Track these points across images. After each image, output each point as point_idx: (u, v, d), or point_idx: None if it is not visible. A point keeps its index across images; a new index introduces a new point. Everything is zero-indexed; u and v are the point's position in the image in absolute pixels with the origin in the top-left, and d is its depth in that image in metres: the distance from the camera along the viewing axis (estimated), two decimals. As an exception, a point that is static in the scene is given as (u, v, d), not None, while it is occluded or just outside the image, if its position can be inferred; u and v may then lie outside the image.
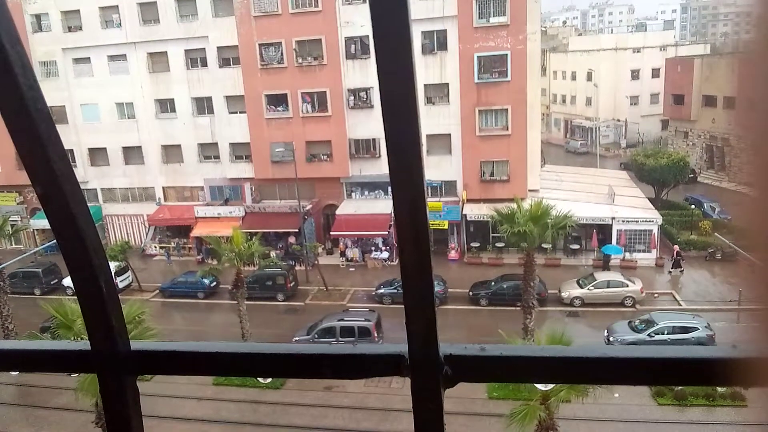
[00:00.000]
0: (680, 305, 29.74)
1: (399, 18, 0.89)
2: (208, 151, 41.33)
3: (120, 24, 40.38)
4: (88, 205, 1.19)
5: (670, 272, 32.95)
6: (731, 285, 30.32)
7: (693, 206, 40.71)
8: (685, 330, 25.00)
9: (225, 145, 40.58)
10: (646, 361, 1.00)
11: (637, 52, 66.19)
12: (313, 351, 1.19)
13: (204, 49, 39.38)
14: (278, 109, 38.94)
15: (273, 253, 36.22)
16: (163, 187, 42.43)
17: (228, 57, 39.25)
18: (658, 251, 34.63)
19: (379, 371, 1.13)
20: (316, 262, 34.96)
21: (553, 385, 18.36)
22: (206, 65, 39.75)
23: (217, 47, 39.06)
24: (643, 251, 34.46)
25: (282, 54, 37.99)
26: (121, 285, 34.72)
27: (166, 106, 41.41)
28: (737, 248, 29.91)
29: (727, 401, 21.95)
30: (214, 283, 33.81)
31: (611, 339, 25.83)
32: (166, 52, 40.12)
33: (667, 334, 25.01)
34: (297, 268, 35.53)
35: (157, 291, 34.97)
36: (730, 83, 49.04)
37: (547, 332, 20.95)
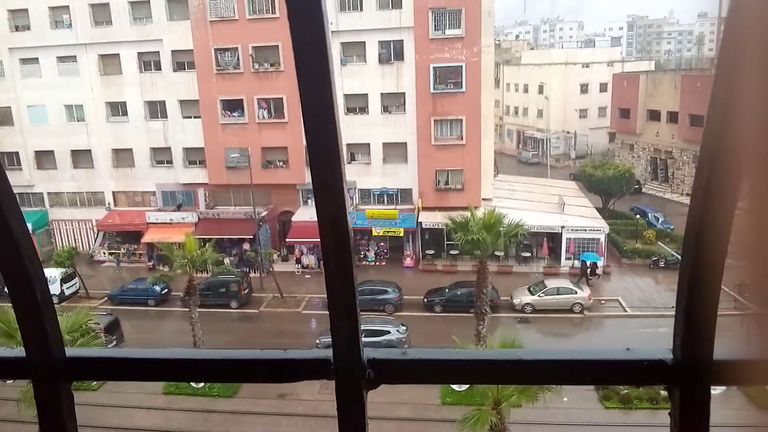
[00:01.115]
0: (626, 311, 30.84)
1: (317, 32, 0.93)
2: (161, 156, 40.58)
3: (70, 24, 39.30)
4: (34, 209, 1.24)
5: (588, 279, 33.68)
6: (673, 291, 31.58)
7: (638, 216, 42.28)
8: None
9: (178, 150, 39.93)
10: (551, 362, 1.11)
11: (586, 67, 68.44)
12: (245, 356, 1.21)
13: (158, 52, 38.73)
14: (234, 114, 38.60)
15: (227, 260, 35.78)
16: (113, 192, 41.38)
17: (183, 61, 38.71)
18: (605, 259, 35.82)
19: (308, 375, 1.16)
20: (271, 269, 34.71)
21: (468, 385, 18.72)
22: (160, 69, 39.09)
23: (172, 51, 38.48)
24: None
25: (238, 59, 37.72)
26: (67, 292, 33.66)
27: (117, 109, 40.47)
28: (679, 257, 31.23)
29: (663, 404, 22.87)
30: (166, 291, 33.14)
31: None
32: (118, 54, 39.27)
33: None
34: (251, 275, 35.18)
35: (106, 298, 34.04)
36: (673, 99, 51.27)
37: (499, 338, 21.41)
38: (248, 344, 26.87)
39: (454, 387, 22.23)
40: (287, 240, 37.57)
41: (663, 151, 53.26)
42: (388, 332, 26.92)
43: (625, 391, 23.35)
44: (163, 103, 39.51)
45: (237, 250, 37.99)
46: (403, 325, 27.69)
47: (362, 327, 1.22)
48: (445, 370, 1.16)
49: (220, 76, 37.92)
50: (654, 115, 53.78)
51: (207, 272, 32.58)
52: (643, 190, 51.66)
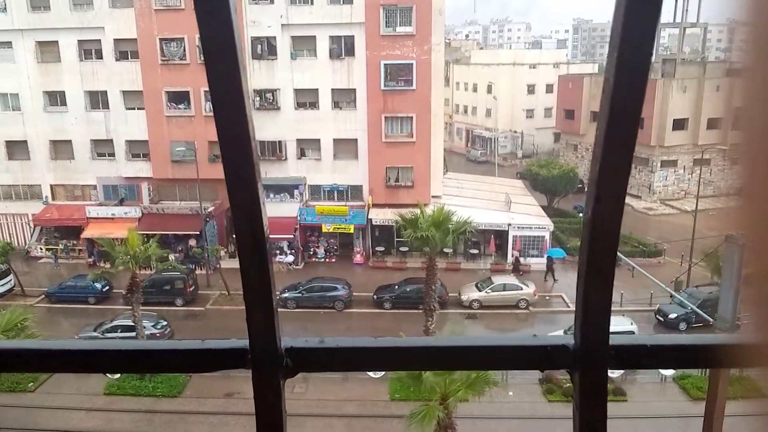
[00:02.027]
0: (569, 306, 31.75)
1: (224, 26, 0.92)
2: (102, 148, 39.16)
3: (5, 9, 37.39)
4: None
5: (512, 274, 34.46)
6: (615, 288, 32.57)
7: (581, 214, 43.52)
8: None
9: (121, 142, 38.63)
10: (463, 348, 1.16)
11: (533, 68, 69.98)
12: (161, 347, 1.22)
13: (99, 40, 37.32)
14: (180, 106, 37.62)
15: (172, 256, 34.90)
16: (51, 185, 39.67)
17: (126, 50, 37.44)
18: (550, 256, 36.74)
19: (225, 365, 1.18)
20: (218, 265, 34.05)
21: (384, 372, 18.97)
22: (101, 58, 37.69)
23: (114, 39, 37.16)
24: (536, 256, 36.44)
25: (184, 50, 36.77)
26: (1, 290, 32.11)
27: (56, 98, 38.79)
28: (620, 254, 32.36)
29: (609, 397, 23.62)
30: (107, 288, 32.07)
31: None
32: (57, 41, 37.62)
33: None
34: (197, 272, 34.41)
35: (43, 296, 32.63)
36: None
37: (447, 334, 21.67)
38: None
39: (403, 383, 22.38)
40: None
41: (605, 151, 54.96)
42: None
43: (567, 384, 24.05)
44: (104, 93, 38.12)
45: (183, 247, 37.09)
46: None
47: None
48: (362, 357, 1.19)
49: (166, 67, 36.87)
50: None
51: (151, 269, 31.76)
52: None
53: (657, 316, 29.37)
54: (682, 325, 28.44)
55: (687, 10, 55.02)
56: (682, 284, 31.35)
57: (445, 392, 17.07)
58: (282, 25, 36.75)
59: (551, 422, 21.94)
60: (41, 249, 38.73)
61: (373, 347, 1.17)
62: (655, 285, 26.75)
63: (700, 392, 21.30)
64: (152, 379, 24.42)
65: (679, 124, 49.69)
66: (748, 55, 0.40)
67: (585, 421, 1.18)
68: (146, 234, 29.98)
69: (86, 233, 36.90)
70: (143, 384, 24.26)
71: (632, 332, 26.77)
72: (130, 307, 25.79)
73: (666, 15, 56.63)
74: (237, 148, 1.01)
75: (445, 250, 33.12)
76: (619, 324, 26.66)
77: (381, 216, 36.82)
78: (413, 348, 1.16)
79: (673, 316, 28.45)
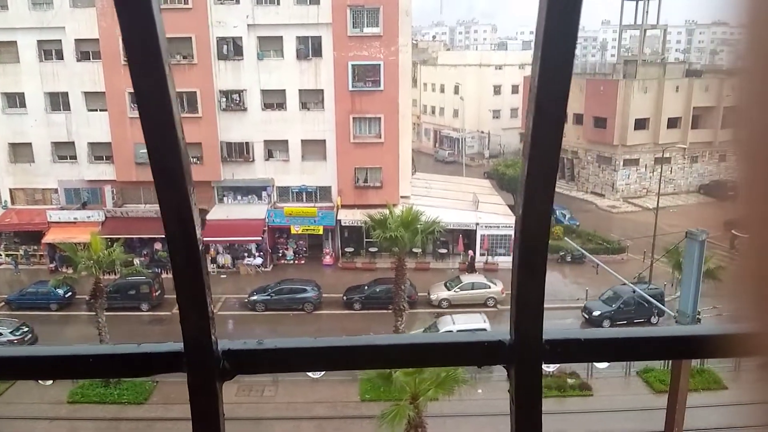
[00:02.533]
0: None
1: (146, 25, 0.91)
2: (64, 151, 38.23)
3: (-42, 7, 36.22)
4: None
5: (467, 273, 34.58)
6: (579, 285, 33.39)
7: (547, 213, 44.18)
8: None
9: (83, 145, 37.77)
10: (403, 347, 1.19)
11: (499, 69, 70.79)
12: (96, 351, 1.19)
13: (60, 40, 36.43)
14: (144, 108, 36.94)
15: (137, 261, 34.27)
16: (10, 189, 38.53)
17: (87, 51, 36.62)
18: (517, 255, 37.25)
19: (161, 369, 1.16)
20: (209, 281, 33.54)
21: (324, 372, 18.93)
22: (62, 58, 36.79)
23: (75, 39, 36.32)
24: (504, 254, 36.86)
25: (149, 51, 36.13)
26: (-43, 297, 31.12)
27: (14, 100, 37.71)
28: (584, 252, 33.02)
29: (576, 391, 24.15)
30: (70, 294, 31.34)
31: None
32: (15, 41, 36.56)
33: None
34: (163, 276, 33.84)
35: (3, 303, 31.72)
36: (578, 101, 54.03)
37: (416, 333, 21.78)
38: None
39: (371, 383, 22.40)
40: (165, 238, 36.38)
41: (569, 151, 56.02)
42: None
43: (536, 380, 24.40)
44: (66, 94, 37.22)
45: (148, 250, 36.46)
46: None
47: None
48: (300, 358, 1.19)
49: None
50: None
51: (115, 274, 31.11)
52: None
53: (583, 313, 30.03)
54: (606, 323, 29.11)
55: (647, 12, 56.39)
56: (644, 280, 32.10)
57: (415, 391, 17.18)
58: (248, 25, 36.44)
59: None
60: (1, 255, 37.61)
61: (312, 347, 1.17)
62: (619, 281, 27.36)
63: (663, 385, 21.84)
64: (117, 386, 23.96)
65: (640, 124, 50.88)
66: (745, 57, 0.40)
67: (522, 415, 1.20)
68: (110, 238, 29.42)
69: (47, 238, 35.98)
70: (108, 391, 23.79)
71: (484, 329, 27.03)
72: (94, 313, 25.25)
73: (627, 17, 57.97)
74: (164, 149, 0.99)
75: (414, 250, 33.30)
76: (473, 322, 27.18)
77: (350, 217, 36.80)
78: (352, 347, 1.17)
79: (597, 313, 29.07)
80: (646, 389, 24.39)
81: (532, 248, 1.10)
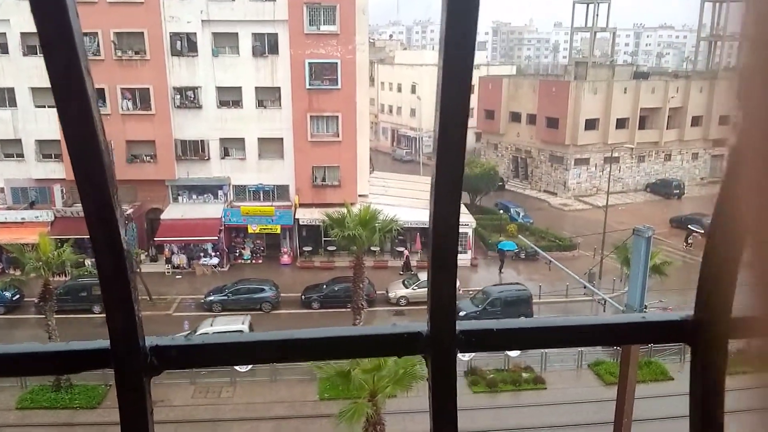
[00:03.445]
0: (492, 301, 32.81)
1: (60, 18, 0.91)
2: (10, 149, 36.84)
3: None
4: None
5: (400, 273, 34.88)
6: (533, 281, 34.19)
7: (502, 211, 45.13)
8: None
9: (30, 142, 36.49)
10: (324, 340, 1.25)
11: (455, 68, 71.54)
12: (22, 350, 1.19)
13: (5, 33, 35.07)
14: (94, 105, 35.94)
15: (88, 262, 33.27)
16: (-50, 188, 36.93)
17: (34, 45, 35.32)
18: (473, 252, 37.90)
19: (88, 366, 1.17)
20: (138, 270, 32.83)
21: (251, 366, 18.72)
22: (7, 52, 35.42)
23: (21, 33, 35.02)
24: (460, 252, 37.42)
25: (98, 45, 35.20)
26: None
27: (-46, 95, 36.14)
28: (537, 249, 33.83)
29: (530, 385, 24.78)
30: (17, 296, 30.27)
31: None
32: (-45, 34, 35.05)
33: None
34: (116, 276, 33.01)
35: (-57, 307, 30.37)
36: (532, 102, 55.23)
37: (339, 327, 21.94)
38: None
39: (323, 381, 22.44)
40: (156, 239, 35.74)
41: (523, 150, 57.22)
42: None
43: (491, 375, 24.96)
44: (11, 90, 35.87)
45: (94, 259, 35.43)
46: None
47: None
48: (227, 352, 1.22)
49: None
50: (515, 117, 57.59)
51: (65, 275, 30.28)
52: (506, 186, 55.16)
53: None
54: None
55: (598, 15, 58.05)
56: (594, 276, 33.13)
57: (374, 389, 17.33)
58: (202, 21, 35.88)
59: (475, 412, 22.69)
60: (-60, 256, 35.99)
61: (238, 342, 1.22)
62: (570, 277, 28.18)
63: (613, 377, 22.64)
64: (69, 390, 23.35)
65: (590, 124, 52.36)
66: (749, 56, 0.42)
67: (438, 403, 1.27)
68: (60, 238, 28.54)
69: (-8, 239, 34.60)
70: (59, 396, 23.15)
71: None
72: (44, 316, 24.49)
73: (579, 19, 59.53)
74: (85, 150, 0.99)
75: (373, 248, 33.48)
76: (232, 323, 27.25)
77: (308, 216, 36.70)
78: (276, 341, 1.22)
79: (463, 313, 29.59)
80: (597, 381, 25.22)
81: (444, 246, 1.17)
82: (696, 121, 55.74)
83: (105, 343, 1.13)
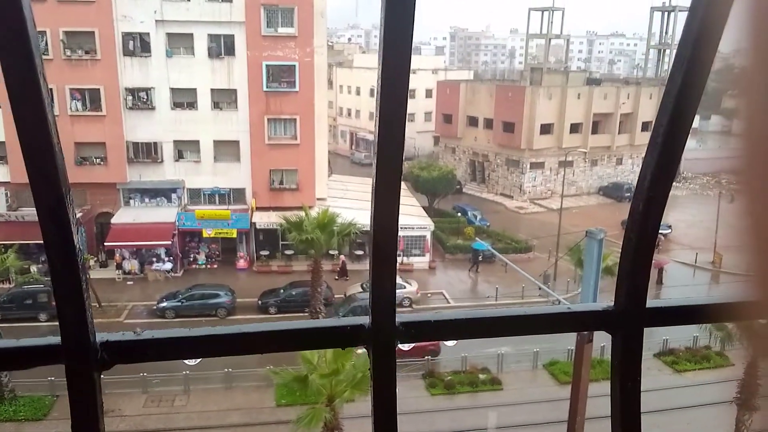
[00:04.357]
0: (449, 302, 33.10)
1: (16, 18, 0.94)
2: (-51, 150, 35.18)
3: None
4: None
5: (335, 279, 34.53)
6: (490, 283, 34.61)
7: (459, 214, 45.56)
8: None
9: (-29, 144, 34.92)
10: (270, 333, 1.30)
11: (413, 73, 70.79)
12: None
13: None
14: (41, 105, 34.70)
15: (34, 268, 32.05)
16: None
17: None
18: (431, 255, 38.11)
19: (38, 361, 1.20)
20: (87, 276, 31.80)
21: (199, 360, 19.33)
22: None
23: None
24: (419, 255, 37.62)
25: (47, 44, 33.98)
26: None
27: None
28: (494, 251, 34.26)
29: (487, 386, 25.02)
30: (-44, 305, 28.89)
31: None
32: None
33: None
34: (64, 283, 31.90)
35: None
36: (489, 106, 56.00)
37: (284, 321, 21.82)
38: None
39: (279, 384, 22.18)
40: (106, 244, 34.67)
41: (480, 154, 57.95)
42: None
43: (449, 377, 25.10)
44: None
45: (46, 257, 34.20)
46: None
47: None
48: (176, 346, 1.26)
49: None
50: (473, 121, 58.31)
51: (9, 282, 29.08)
52: (464, 190, 55.75)
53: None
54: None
55: (552, 22, 59.38)
56: (549, 277, 33.74)
57: (332, 393, 17.19)
58: (156, 20, 35.08)
59: (434, 414, 22.77)
60: None
61: (187, 336, 1.24)
62: (526, 279, 28.62)
63: (567, 376, 23.05)
64: (13, 402, 22.40)
65: (545, 129, 53.43)
66: (751, 60, 0.42)
67: (379, 392, 1.32)
68: (4, 244, 27.40)
69: (-71, 244, 32.94)
70: (2, 408, 22.18)
71: None
72: (-15, 325, 23.46)
73: (534, 26, 60.77)
74: (39, 150, 1.02)
75: (331, 252, 33.26)
76: None
77: (265, 219, 36.24)
78: (224, 335, 1.25)
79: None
80: (552, 381, 25.65)
81: (384, 243, 1.22)
82: (646, 127, 57.52)
83: (56, 339, 1.15)
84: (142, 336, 1.22)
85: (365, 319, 1.28)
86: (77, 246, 1.11)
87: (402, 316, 1.29)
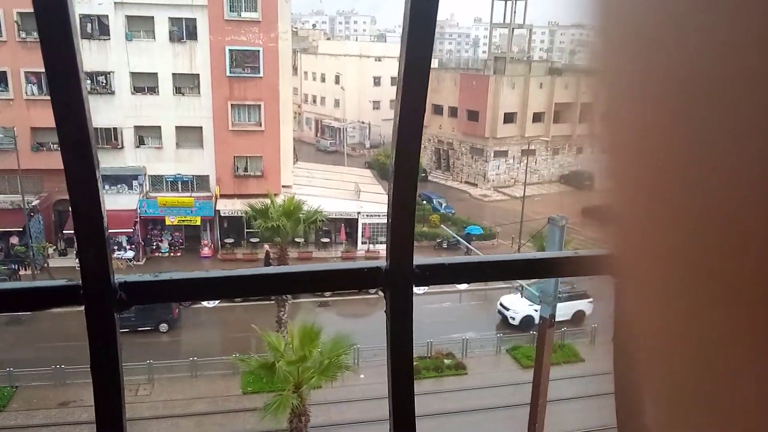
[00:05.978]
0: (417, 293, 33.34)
1: (59, 3, 0.99)
2: None
3: None
4: None
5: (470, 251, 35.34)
6: (455, 270, 34.99)
7: (425, 202, 45.86)
8: None
9: None
10: (291, 275, 1.36)
11: (379, 60, 71.80)
12: None
13: None
14: (-6, 88, 33.49)
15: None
16: None
17: None
18: (397, 243, 38.34)
19: (56, 302, 1.23)
20: (45, 264, 31.03)
21: (219, 301, 19.17)
22: None
23: None
24: (385, 242, 37.78)
25: (0, 26, 32.74)
26: None
27: None
28: (459, 238, 34.69)
29: (452, 371, 25.44)
30: None
31: None
32: None
33: None
34: (22, 272, 31.07)
35: None
36: (453, 95, 56.31)
37: (299, 322, 21.83)
38: (19, 351, 23.81)
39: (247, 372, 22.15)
40: (65, 232, 33.78)
41: (445, 142, 58.33)
42: None
43: (415, 363, 25.38)
44: None
45: (3, 245, 33.23)
46: None
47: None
48: (193, 287, 1.30)
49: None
50: (438, 110, 58.55)
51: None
52: (429, 178, 56.07)
53: None
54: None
55: (515, 12, 59.87)
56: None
57: (299, 380, 17.26)
58: (115, 3, 34.12)
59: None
60: None
61: (204, 278, 1.29)
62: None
63: (529, 360, 23.61)
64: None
65: (509, 118, 54.05)
66: (601, 58, 0.38)
67: (396, 334, 1.36)
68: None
69: None
70: (-43, 401, 21.56)
71: None
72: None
73: (498, 15, 61.23)
74: (68, 110, 1.09)
75: (297, 239, 33.19)
76: None
77: (230, 207, 35.86)
78: (241, 277, 1.29)
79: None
80: (515, 365, 26.23)
81: (404, 186, 1.29)
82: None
83: (76, 281, 1.18)
84: (160, 277, 1.25)
85: (382, 263, 1.33)
86: (99, 188, 1.14)
87: (418, 258, 1.33)
